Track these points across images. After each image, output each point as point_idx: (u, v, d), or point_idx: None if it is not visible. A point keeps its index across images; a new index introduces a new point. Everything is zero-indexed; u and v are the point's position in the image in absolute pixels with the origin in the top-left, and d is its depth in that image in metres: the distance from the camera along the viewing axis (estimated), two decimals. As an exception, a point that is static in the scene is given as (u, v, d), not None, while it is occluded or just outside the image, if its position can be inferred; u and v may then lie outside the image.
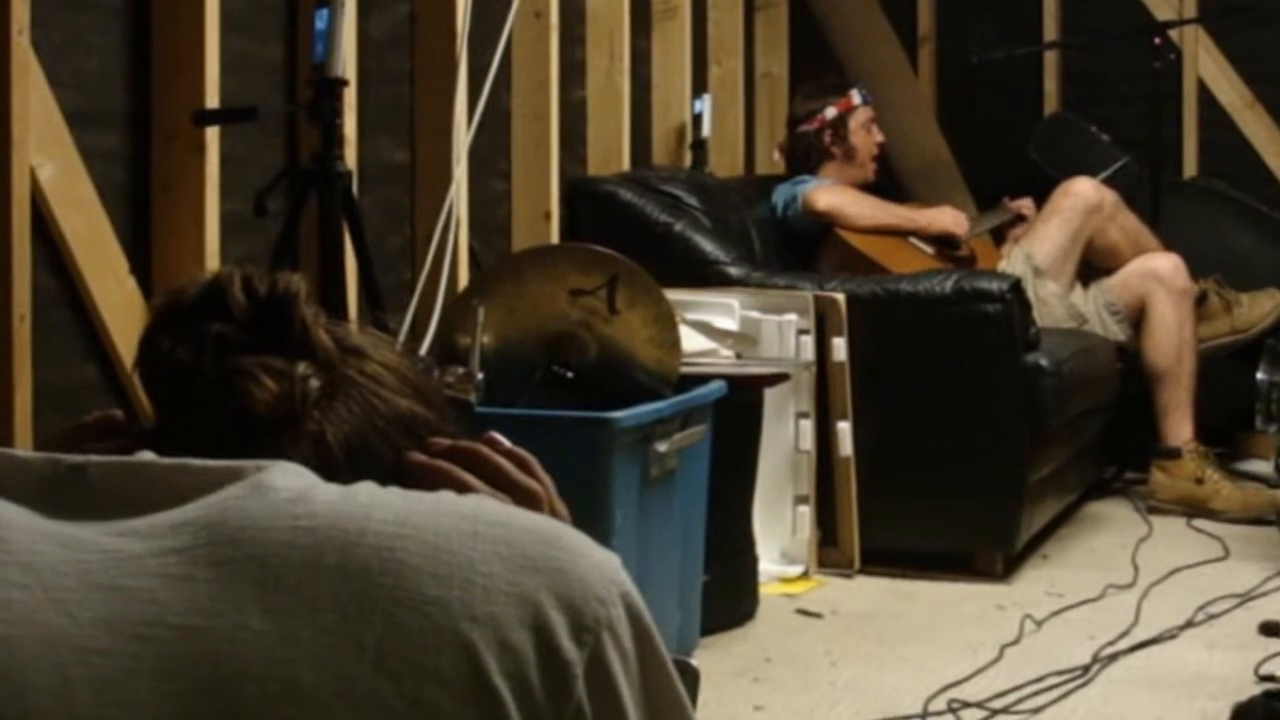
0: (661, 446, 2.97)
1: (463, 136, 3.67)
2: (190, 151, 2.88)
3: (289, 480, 0.92)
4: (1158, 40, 5.36)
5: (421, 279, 3.48)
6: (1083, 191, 4.84)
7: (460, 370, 2.87)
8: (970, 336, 3.94)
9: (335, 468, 1.01)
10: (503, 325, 2.96)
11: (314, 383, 1.01)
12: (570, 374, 2.96)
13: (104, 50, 2.83)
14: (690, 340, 3.35)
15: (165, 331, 1.02)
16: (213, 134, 2.92)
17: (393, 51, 3.65)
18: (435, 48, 3.70)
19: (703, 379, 3.22)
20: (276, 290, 1.03)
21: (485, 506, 0.96)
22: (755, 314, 3.89)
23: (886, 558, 3.99)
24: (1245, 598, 3.71)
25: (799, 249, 4.65)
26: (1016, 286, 3.96)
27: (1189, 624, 3.51)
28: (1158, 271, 4.75)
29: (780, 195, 4.73)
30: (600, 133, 4.50)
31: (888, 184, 5.32)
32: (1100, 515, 4.70)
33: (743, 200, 4.68)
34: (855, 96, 4.88)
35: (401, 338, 3.38)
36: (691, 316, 3.75)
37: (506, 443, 1.12)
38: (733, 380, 3.28)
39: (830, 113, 4.90)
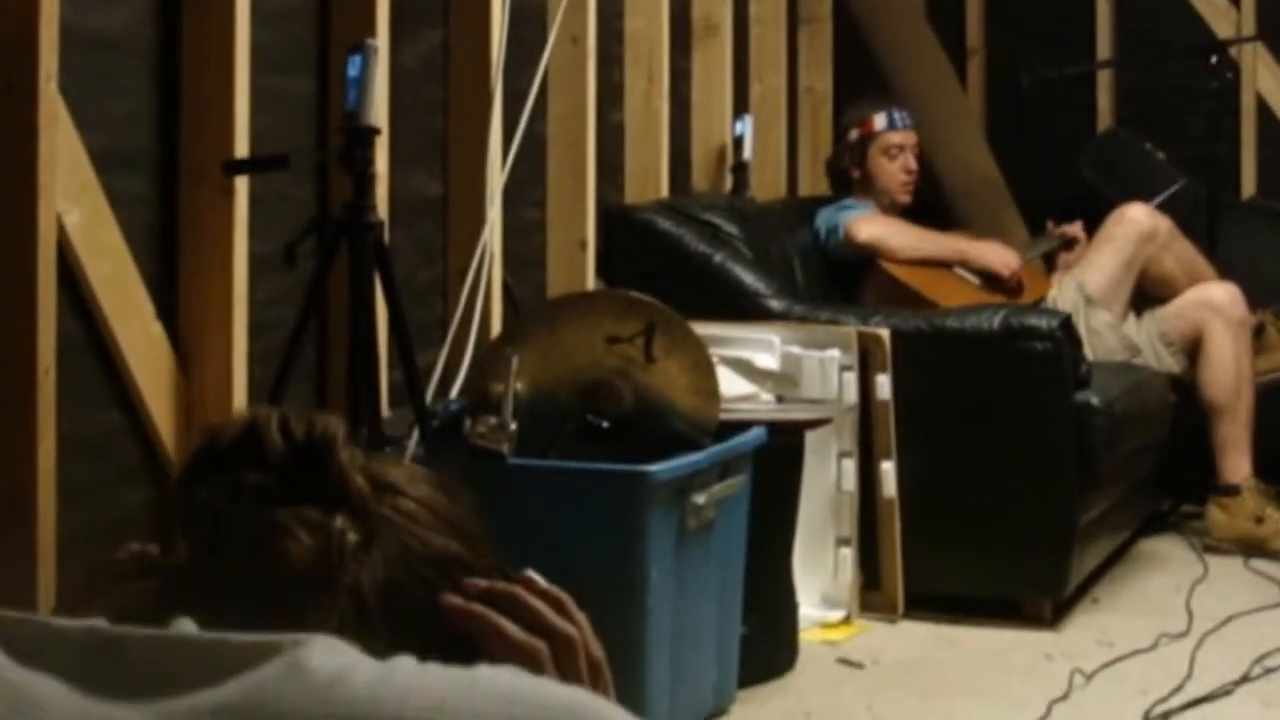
0: (699, 499, 2.99)
1: (496, 168, 3.70)
2: (219, 194, 2.92)
3: (327, 659, 0.94)
4: (1214, 59, 5.34)
5: (456, 316, 3.50)
6: (1137, 218, 4.84)
7: (493, 420, 2.89)
8: (1019, 375, 3.95)
9: (370, 615, 1.03)
10: (537, 372, 2.99)
11: (351, 536, 1.04)
12: (606, 423, 2.98)
13: (132, 92, 2.86)
14: (729, 383, 3.37)
15: (203, 477, 1.05)
16: (241, 175, 2.95)
17: (426, 81, 3.68)
18: (469, 77, 3.73)
19: (743, 425, 3.23)
20: (314, 434, 1.06)
21: (522, 687, 0.98)
22: (797, 349, 3.91)
23: (931, 602, 4.00)
24: (1304, 650, 3.71)
25: (842, 277, 4.66)
26: (1066, 323, 3.97)
27: (1245, 679, 3.51)
28: (1214, 302, 4.75)
29: (823, 221, 4.74)
30: (638, 158, 4.52)
31: (934, 203, 5.34)
32: (1154, 554, 4.70)
33: (785, 226, 4.70)
34: (879, 121, 4.88)
35: (436, 376, 3.41)
36: (731, 353, 3.77)
37: (542, 582, 1.15)
38: (773, 426, 3.30)
39: (853, 135, 4.93)
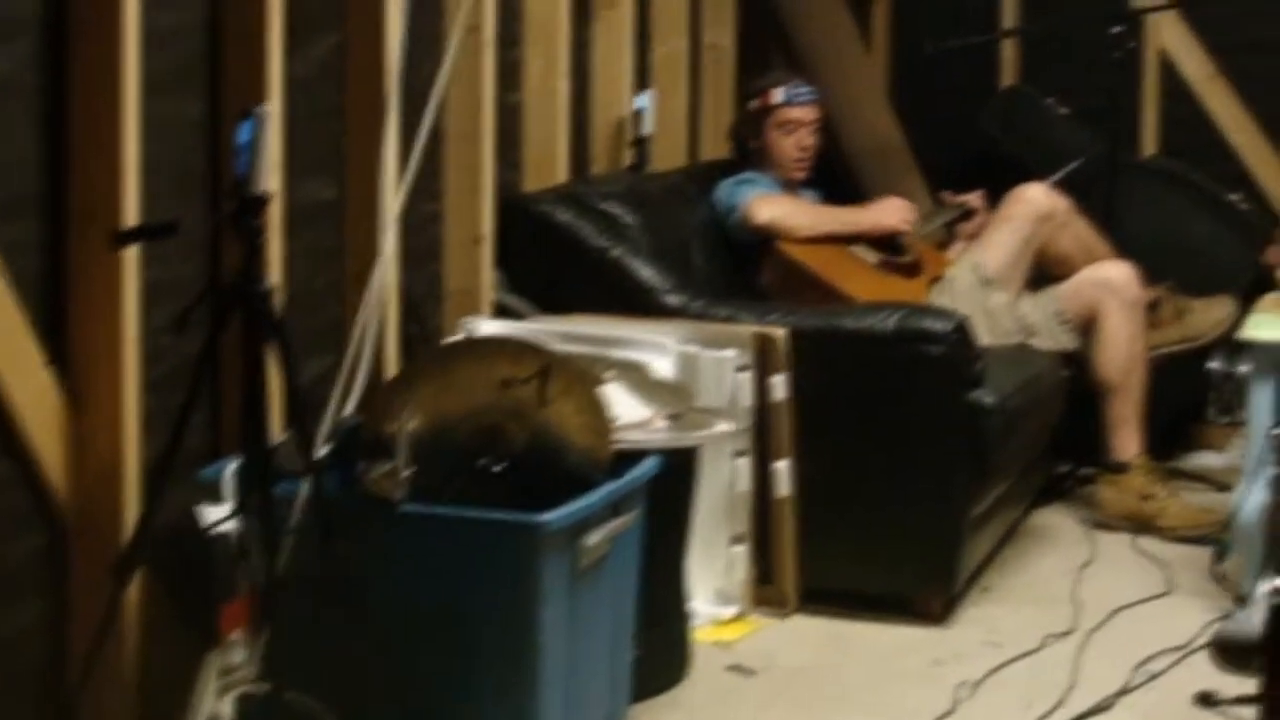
0: (592, 539, 3.05)
1: (392, 169, 3.70)
2: (108, 236, 2.91)
3: None
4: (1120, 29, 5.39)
5: (359, 323, 3.51)
6: (1034, 198, 4.91)
7: (386, 466, 2.93)
8: (913, 376, 4.02)
9: None
10: (431, 416, 3.02)
11: None
12: (501, 466, 3.02)
13: (16, 136, 2.84)
14: (624, 406, 3.41)
15: None
16: (131, 211, 2.95)
17: (322, 85, 3.66)
18: (365, 78, 3.72)
19: (638, 453, 3.28)
20: None
21: None
22: (693, 349, 3.95)
23: (826, 596, 4.09)
24: (1184, 651, 3.82)
25: (740, 255, 4.70)
26: (961, 326, 4.04)
27: (1125, 690, 3.62)
28: (1110, 281, 4.83)
29: (722, 197, 4.77)
30: (537, 139, 4.52)
31: (838, 166, 5.36)
32: (1045, 532, 4.81)
33: (684, 203, 4.72)
34: (777, 94, 4.89)
35: (336, 394, 3.42)
36: (627, 356, 3.81)
37: None
38: (669, 452, 3.35)
39: (753, 105, 4.95)
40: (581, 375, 3.12)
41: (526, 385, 3.03)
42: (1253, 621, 2.83)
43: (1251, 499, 3.89)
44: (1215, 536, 4.38)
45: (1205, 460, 5.55)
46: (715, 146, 5.41)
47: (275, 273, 3.34)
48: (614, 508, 3.14)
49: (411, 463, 2.95)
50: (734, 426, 3.68)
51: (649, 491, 3.28)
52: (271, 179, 3.06)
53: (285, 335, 2.67)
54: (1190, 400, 5.44)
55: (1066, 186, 5.15)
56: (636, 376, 3.64)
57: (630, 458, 3.25)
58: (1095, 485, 4.92)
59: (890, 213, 4.84)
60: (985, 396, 4.09)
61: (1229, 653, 2.95)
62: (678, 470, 3.49)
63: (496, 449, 3.04)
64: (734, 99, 5.49)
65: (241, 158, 2.62)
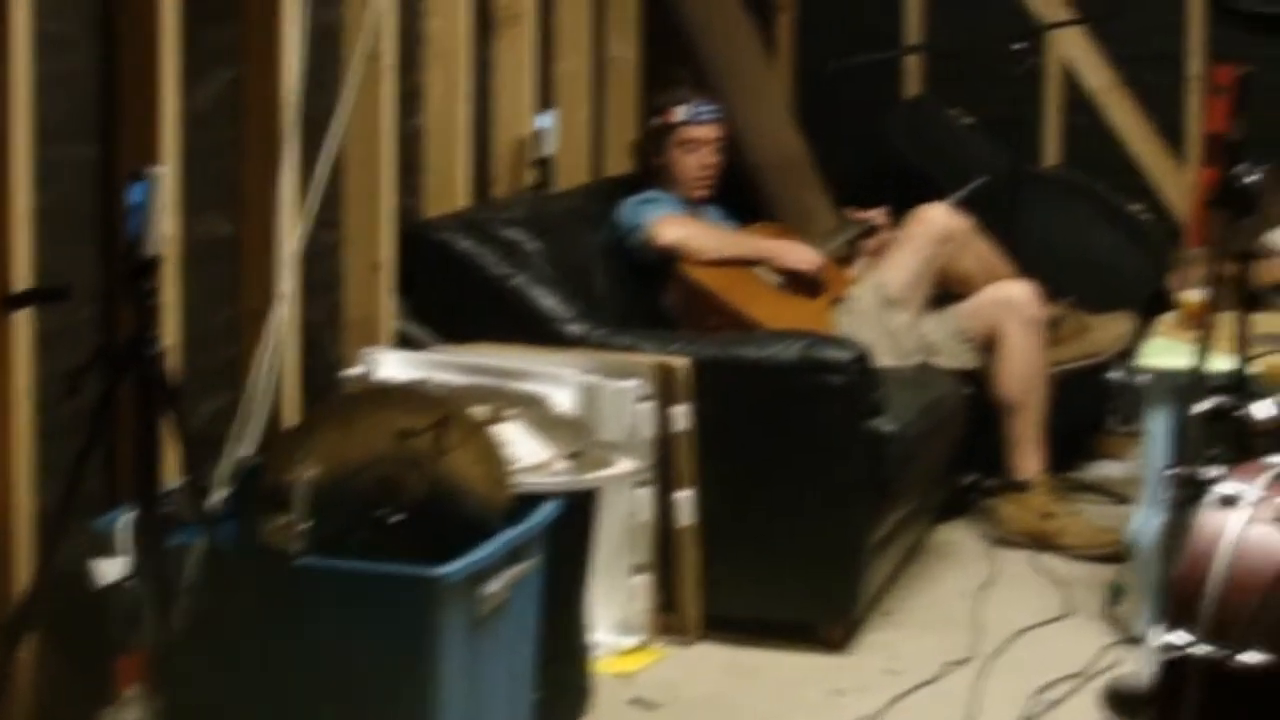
0: (491, 588, 3.06)
1: (290, 203, 3.69)
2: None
3: None
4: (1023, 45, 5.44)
5: (262, 361, 3.49)
6: (935, 219, 4.96)
7: (282, 519, 2.93)
8: (815, 405, 4.05)
9: None
10: (329, 466, 3.01)
11: None
12: (399, 516, 3.02)
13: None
14: (524, 447, 3.42)
15: None
16: (22, 268, 2.93)
17: (218, 120, 3.64)
18: (262, 111, 3.70)
19: (539, 496, 3.29)
20: None
21: None
22: (595, 379, 3.96)
23: (729, 624, 4.11)
24: (1083, 678, 3.87)
25: (644, 277, 4.71)
26: (862, 356, 4.07)
27: (1025, 720, 3.68)
28: (1010, 300, 4.88)
29: (625, 217, 4.77)
30: (438, 161, 4.50)
31: (743, 182, 5.38)
32: (947, 548, 4.86)
33: (587, 224, 4.72)
34: (680, 112, 4.90)
35: (235, 432, 3.41)
36: (528, 388, 3.82)
37: None
38: (570, 495, 3.37)
39: (655, 122, 4.96)
40: (479, 425, 3.13)
41: (425, 436, 3.03)
42: (1142, 674, 2.86)
43: (1147, 533, 3.94)
44: (1112, 584, 4.37)
45: (1106, 470, 5.62)
46: (619, 162, 5.42)
47: (171, 312, 3.32)
48: (514, 554, 3.15)
49: (309, 514, 2.95)
50: (635, 465, 3.69)
51: (549, 533, 3.29)
52: (166, 220, 3.04)
53: (177, 399, 2.66)
54: (1091, 411, 5.51)
55: (969, 202, 5.19)
56: (537, 413, 3.65)
57: (531, 500, 3.27)
58: (997, 500, 4.97)
59: (793, 253, 4.86)
60: (886, 424, 4.13)
61: (1119, 704, 2.99)
62: (578, 510, 3.50)
63: (395, 499, 3.04)
64: (638, 113, 5.49)
65: (133, 219, 2.60)
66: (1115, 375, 5.38)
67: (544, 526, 3.25)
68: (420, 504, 3.06)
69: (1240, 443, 3.22)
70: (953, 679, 3.90)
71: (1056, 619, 4.29)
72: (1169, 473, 3.48)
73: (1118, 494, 5.26)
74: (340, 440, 3.04)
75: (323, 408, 3.37)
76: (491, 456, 3.11)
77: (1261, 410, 3.15)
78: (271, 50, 3.68)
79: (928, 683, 3.88)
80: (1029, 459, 4.89)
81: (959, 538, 4.97)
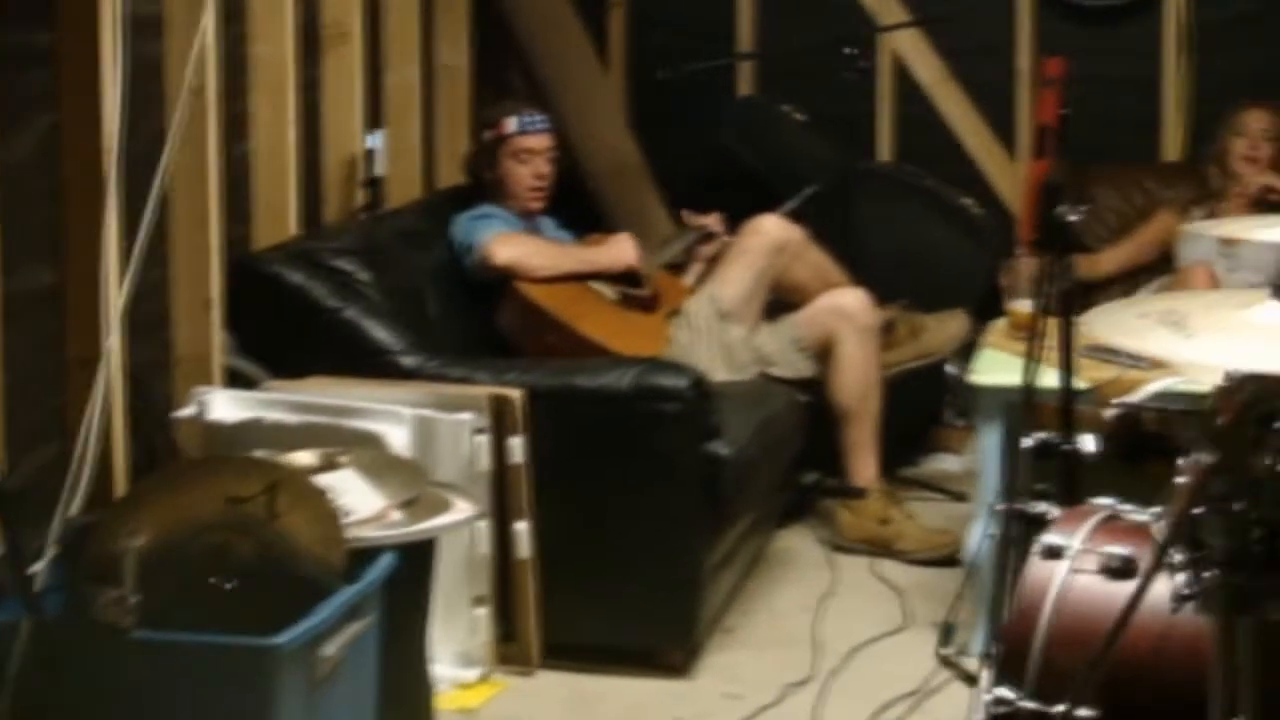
0: (329, 650, 3.06)
1: (113, 248, 3.65)
2: None
3: None
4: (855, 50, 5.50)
5: (92, 409, 3.45)
6: (768, 231, 5.01)
7: (113, 593, 2.91)
8: (650, 431, 4.08)
9: None
10: (159, 536, 2.99)
11: None
12: (232, 583, 3.02)
13: None
14: (358, 495, 3.42)
15: None
16: None
17: (38, 167, 3.59)
18: (83, 156, 3.64)
19: (375, 549, 3.30)
20: None
21: None
22: (429, 412, 3.96)
23: (570, 651, 4.14)
24: (920, 695, 3.96)
25: (478, 294, 4.71)
26: (698, 382, 4.11)
27: (863, 742, 3.76)
28: (844, 309, 4.95)
29: (459, 234, 4.77)
30: (267, 188, 4.46)
31: (577, 186, 5.40)
32: (787, 556, 4.93)
33: (419, 245, 4.71)
34: (510, 124, 4.90)
35: (65, 487, 3.37)
36: (361, 427, 3.82)
37: None
38: (407, 546, 3.37)
39: (486, 136, 4.96)
40: (310, 490, 3.12)
41: (256, 501, 3.03)
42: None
43: (981, 553, 4.02)
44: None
45: (943, 464, 5.73)
46: (451, 174, 5.40)
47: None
48: (351, 612, 3.15)
49: (140, 586, 2.93)
50: (471, 510, 3.69)
51: (386, 586, 3.30)
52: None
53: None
54: (928, 405, 5.61)
55: (802, 208, 5.25)
56: (370, 456, 3.64)
57: (367, 554, 3.27)
58: (835, 506, 5.04)
59: (623, 250, 4.89)
60: (722, 448, 4.17)
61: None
62: (416, 558, 3.50)
63: (227, 566, 3.03)
64: (471, 122, 5.49)
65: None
66: (951, 370, 5.48)
67: (380, 581, 3.26)
68: (253, 570, 3.05)
69: (1066, 479, 3.32)
70: (793, 701, 3.98)
71: (894, 631, 4.37)
72: (998, 508, 3.56)
73: (954, 491, 5.37)
74: (169, 509, 3.03)
75: (152, 476, 3.35)
76: (324, 517, 3.11)
77: (1087, 445, 3.21)
78: (92, 93, 3.62)
79: (768, 706, 3.95)
80: (865, 465, 4.97)
81: (799, 545, 5.05)
